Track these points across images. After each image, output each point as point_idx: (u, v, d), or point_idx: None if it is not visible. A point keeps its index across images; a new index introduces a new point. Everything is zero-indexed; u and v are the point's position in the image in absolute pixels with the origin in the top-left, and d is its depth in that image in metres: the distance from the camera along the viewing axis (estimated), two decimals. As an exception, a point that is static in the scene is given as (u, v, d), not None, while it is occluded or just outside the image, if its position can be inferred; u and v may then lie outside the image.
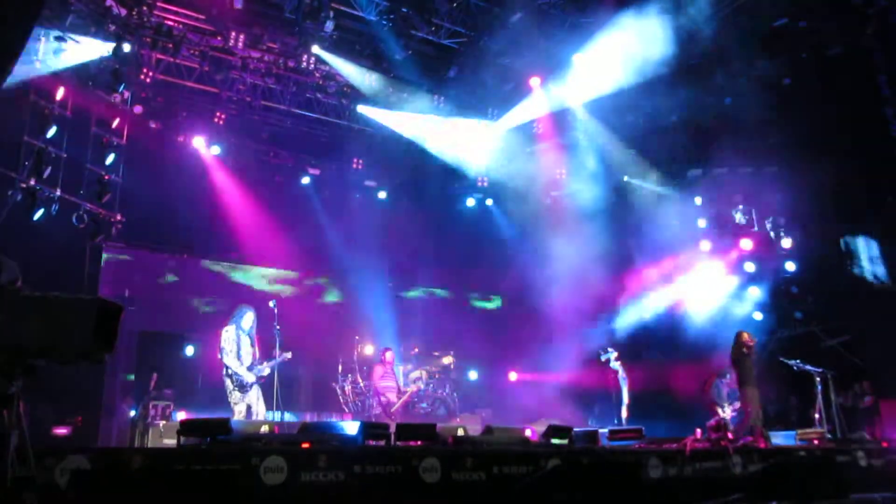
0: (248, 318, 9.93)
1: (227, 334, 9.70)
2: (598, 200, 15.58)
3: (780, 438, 10.11)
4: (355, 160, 16.46)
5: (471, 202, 17.97)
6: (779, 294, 15.07)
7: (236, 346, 9.65)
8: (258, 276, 16.54)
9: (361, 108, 15.00)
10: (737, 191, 15.31)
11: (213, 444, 6.45)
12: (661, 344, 15.38)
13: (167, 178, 14.28)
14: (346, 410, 14.04)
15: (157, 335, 14.37)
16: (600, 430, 9.54)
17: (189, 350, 14.23)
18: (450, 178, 16.95)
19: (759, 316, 15.13)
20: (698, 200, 15.78)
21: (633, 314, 15.94)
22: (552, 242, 15.69)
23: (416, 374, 15.08)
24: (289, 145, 15.68)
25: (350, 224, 16.39)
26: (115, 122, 11.99)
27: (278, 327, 10.21)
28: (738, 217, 15.37)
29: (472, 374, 17.15)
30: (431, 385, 15.02)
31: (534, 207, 16.65)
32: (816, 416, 11.88)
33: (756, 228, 15.32)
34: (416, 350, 15.82)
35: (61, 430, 11.46)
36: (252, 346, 9.91)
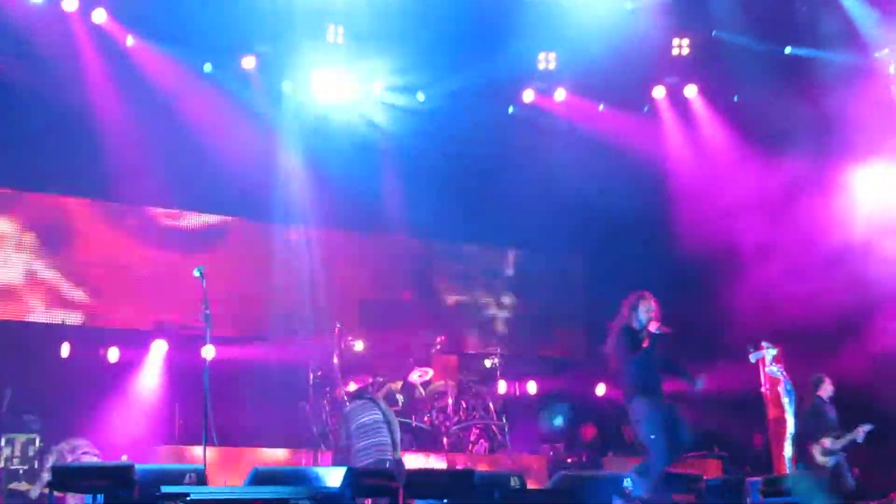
0: None
1: None
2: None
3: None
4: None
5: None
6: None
7: None
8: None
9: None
10: None
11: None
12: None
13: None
14: (323, 446, 9.56)
15: (14, 327, 10.02)
16: (749, 480, 8.17)
17: (65, 349, 9.55)
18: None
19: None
20: None
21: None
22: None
23: (438, 384, 9.82)
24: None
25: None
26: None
27: (207, 311, 7.23)
28: None
29: (531, 386, 11.69)
30: (464, 404, 9.83)
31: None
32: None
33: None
34: (439, 346, 10.33)
35: None
36: None
